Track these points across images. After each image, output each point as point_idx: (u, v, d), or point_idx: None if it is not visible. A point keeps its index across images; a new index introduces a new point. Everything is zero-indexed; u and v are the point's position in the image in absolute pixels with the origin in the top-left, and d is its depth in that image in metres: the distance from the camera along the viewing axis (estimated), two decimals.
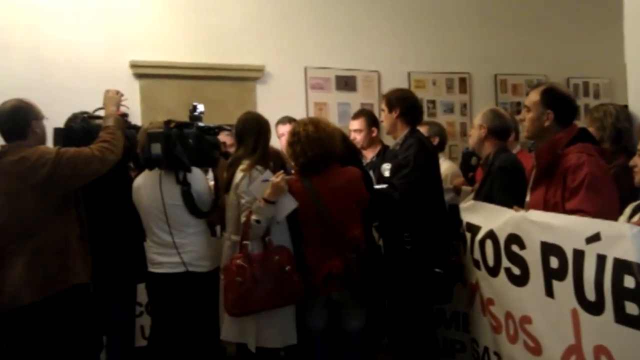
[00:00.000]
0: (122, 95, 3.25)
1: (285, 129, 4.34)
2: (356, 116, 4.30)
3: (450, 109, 6.05)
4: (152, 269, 3.13)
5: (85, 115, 3.21)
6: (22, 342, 2.85)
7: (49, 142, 3.10)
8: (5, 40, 4.27)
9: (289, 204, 3.00)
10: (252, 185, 3.00)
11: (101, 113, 3.18)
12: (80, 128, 3.15)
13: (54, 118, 3.13)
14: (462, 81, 6.09)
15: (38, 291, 2.78)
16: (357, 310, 3.12)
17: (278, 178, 2.94)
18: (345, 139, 3.38)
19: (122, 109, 3.25)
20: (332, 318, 3.13)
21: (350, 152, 3.35)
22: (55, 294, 2.80)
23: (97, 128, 3.07)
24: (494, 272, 2.77)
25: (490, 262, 2.79)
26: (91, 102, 3.27)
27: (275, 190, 2.93)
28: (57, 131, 3.18)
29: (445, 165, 4.17)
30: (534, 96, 2.73)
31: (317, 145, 3.05)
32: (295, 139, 3.11)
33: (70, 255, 2.85)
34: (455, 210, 3.21)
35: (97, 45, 4.57)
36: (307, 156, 3.05)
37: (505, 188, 3.00)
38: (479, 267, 2.92)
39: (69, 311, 2.85)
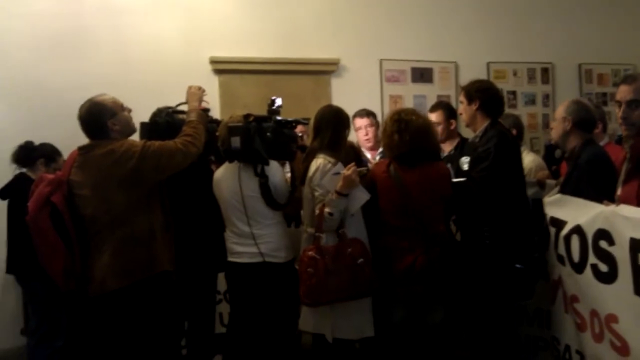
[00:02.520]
0: (203, 90, 3.33)
1: (363, 122, 4.35)
2: (433, 109, 4.24)
3: (532, 101, 5.85)
4: (231, 259, 3.21)
5: (170, 110, 3.32)
6: (109, 328, 2.99)
7: (136, 135, 3.22)
8: (92, 40, 4.47)
9: (361, 197, 3.01)
10: (324, 178, 3.02)
11: (184, 108, 3.28)
12: (165, 122, 3.26)
13: (139, 112, 3.23)
14: (545, 71, 5.88)
15: (124, 278, 2.89)
16: (437, 304, 3.08)
17: (349, 171, 2.95)
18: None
19: (204, 104, 3.34)
20: (412, 311, 3.10)
21: None
22: (139, 281, 2.91)
23: (181, 122, 3.16)
24: (579, 268, 2.67)
25: (576, 258, 2.69)
26: (173, 97, 3.37)
27: (346, 183, 2.94)
28: (143, 125, 3.30)
29: (529, 158, 4.05)
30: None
31: (424, 137, 3.06)
32: (400, 126, 3.09)
33: (154, 244, 2.95)
34: (538, 204, 3.11)
35: (179, 43, 4.71)
36: (412, 146, 3.05)
37: (594, 183, 2.87)
38: (563, 263, 2.82)
39: (153, 298, 2.95)
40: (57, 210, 2.94)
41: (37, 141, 4.00)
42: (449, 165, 3.55)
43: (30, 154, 3.95)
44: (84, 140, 3.03)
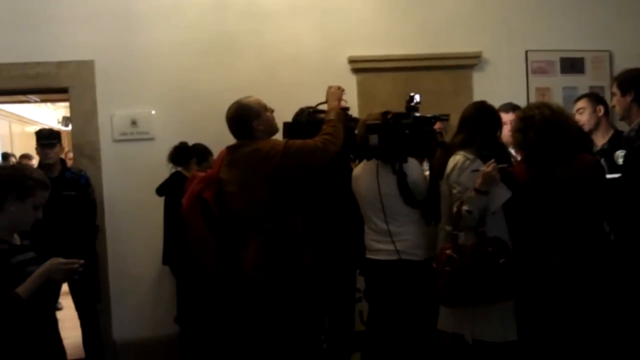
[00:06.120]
0: (343, 90, 3.38)
1: (508, 117, 4.15)
2: (579, 98, 4.01)
3: None
4: (369, 256, 3.23)
5: (311, 110, 3.41)
6: (254, 318, 3.15)
7: (279, 134, 3.33)
8: (237, 45, 4.66)
9: (502, 194, 2.87)
10: (463, 175, 2.93)
11: (324, 107, 3.35)
12: (306, 122, 3.36)
13: (280, 112, 3.35)
14: None
15: (267, 271, 3.03)
16: (586, 309, 2.88)
17: (489, 167, 2.84)
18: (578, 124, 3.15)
19: (343, 103, 3.38)
20: (558, 315, 2.92)
21: (581, 139, 3.11)
22: (282, 274, 3.03)
23: (321, 121, 3.23)
24: None
25: None
26: (313, 97, 3.45)
27: (486, 179, 2.82)
28: (286, 125, 3.43)
29: None
30: None
31: (556, 129, 2.87)
32: (527, 123, 2.93)
33: (296, 239, 3.06)
34: None
35: (318, 44, 4.79)
36: (544, 142, 2.88)
37: None
38: None
39: (294, 291, 3.06)
40: (208, 206, 3.14)
41: (190, 142, 4.30)
42: (602, 160, 3.31)
43: (184, 154, 4.23)
44: (232, 140, 3.20)
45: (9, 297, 2.18)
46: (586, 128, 3.67)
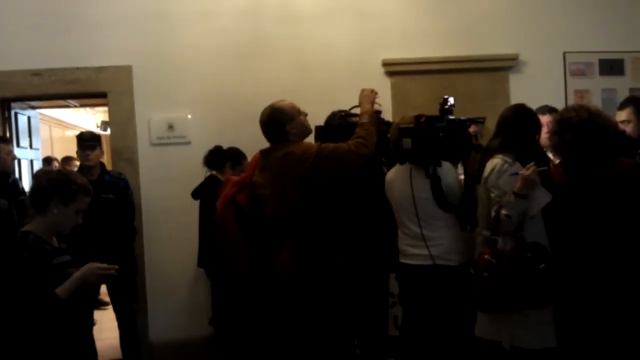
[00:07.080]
0: (376, 93, 3.36)
1: (545, 119, 4.08)
2: (622, 106, 3.86)
3: None
4: (403, 260, 3.21)
5: (343, 114, 3.41)
6: (287, 320, 3.15)
7: (311, 138, 3.34)
8: (271, 49, 4.70)
9: (542, 198, 2.82)
10: (501, 178, 2.89)
11: (357, 111, 3.34)
12: (338, 125, 3.36)
13: (314, 116, 3.35)
14: None
15: (301, 274, 3.03)
16: (629, 315, 2.80)
17: (529, 171, 2.79)
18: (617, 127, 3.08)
19: (376, 107, 3.37)
20: (599, 321, 2.85)
21: (625, 143, 3.03)
22: (315, 278, 3.02)
23: (353, 125, 3.22)
24: None
25: None
26: (347, 101, 3.44)
27: (525, 183, 2.77)
28: (317, 129, 3.42)
29: None
30: None
31: (593, 132, 2.82)
32: (564, 126, 2.88)
33: (328, 242, 3.05)
34: None
35: (352, 47, 4.79)
36: (581, 144, 2.83)
37: None
38: None
39: (327, 294, 3.04)
40: (241, 209, 3.17)
41: (226, 145, 4.34)
42: None
43: (218, 157, 4.28)
44: (266, 143, 3.22)
45: (48, 297, 2.24)
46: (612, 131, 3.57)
